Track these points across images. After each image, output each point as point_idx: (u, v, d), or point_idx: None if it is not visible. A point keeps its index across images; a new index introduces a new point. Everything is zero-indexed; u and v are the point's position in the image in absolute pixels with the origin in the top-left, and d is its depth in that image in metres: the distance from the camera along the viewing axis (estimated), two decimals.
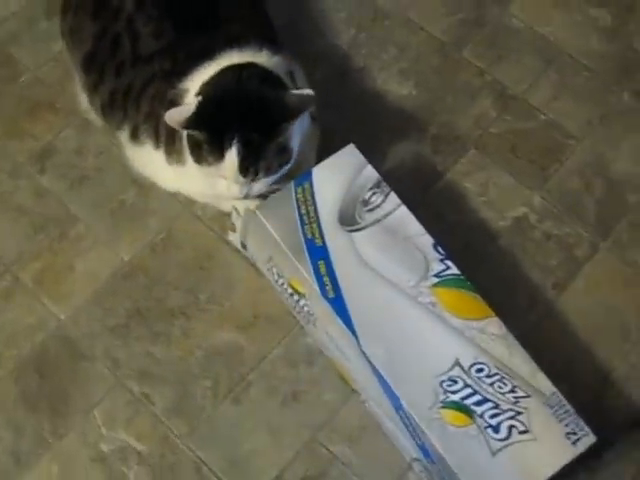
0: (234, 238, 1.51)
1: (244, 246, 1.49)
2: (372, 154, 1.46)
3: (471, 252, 1.52)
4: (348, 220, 1.38)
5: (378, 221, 1.39)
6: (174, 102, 1.42)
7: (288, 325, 1.47)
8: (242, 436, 1.39)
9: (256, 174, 1.35)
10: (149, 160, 1.53)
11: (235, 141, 1.31)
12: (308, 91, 1.37)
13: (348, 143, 1.43)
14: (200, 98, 1.36)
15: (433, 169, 1.64)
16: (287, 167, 1.38)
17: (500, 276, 1.51)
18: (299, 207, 1.38)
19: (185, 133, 1.39)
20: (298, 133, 1.40)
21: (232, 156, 1.32)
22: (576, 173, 1.64)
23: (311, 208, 1.38)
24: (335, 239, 1.36)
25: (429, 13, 1.82)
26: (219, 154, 1.32)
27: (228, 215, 1.50)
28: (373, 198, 1.41)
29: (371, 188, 1.42)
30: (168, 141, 1.49)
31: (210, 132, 1.32)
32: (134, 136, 1.53)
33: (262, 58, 1.43)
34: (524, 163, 1.65)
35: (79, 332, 1.47)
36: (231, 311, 1.49)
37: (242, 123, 1.32)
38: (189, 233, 1.56)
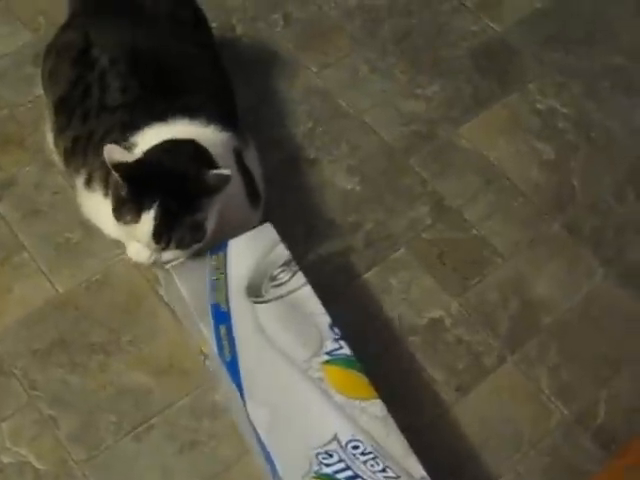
0: (163, 290, 1.59)
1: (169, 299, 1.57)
2: (306, 240, 1.60)
3: (382, 342, 1.61)
4: (254, 292, 1.46)
5: (282, 297, 1.47)
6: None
7: (200, 379, 1.53)
8: (136, 473, 1.45)
9: (168, 243, 1.40)
10: (97, 207, 1.61)
11: (155, 205, 1.38)
12: (226, 172, 1.41)
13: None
14: (140, 156, 1.46)
15: (362, 261, 1.72)
16: (198, 246, 1.44)
17: (406, 369, 1.58)
18: (211, 273, 1.47)
19: (112, 184, 1.46)
20: (214, 216, 1.45)
21: (149, 219, 1.38)
22: (496, 288, 1.71)
23: (222, 276, 1.47)
24: (239, 307, 1.44)
25: (384, 120, 1.91)
26: (136, 214, 1.38)
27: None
28: (281, 275, 1.49)
29: (281, 265, 1.50)
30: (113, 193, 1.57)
31: (132, 188, 1.39)
32: (88, 183, 1.62)
33: (207, 133, 1.53)
34: (448, 270, 1.73)
35: (3, 349, 1.55)
36: (149, 356, 1.56)
37: (164, 192, 1.39)
38: (124, 278, 1.64)
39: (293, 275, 1.49)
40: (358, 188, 1.81)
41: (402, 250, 1.74)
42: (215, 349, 1.38)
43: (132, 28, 1.70)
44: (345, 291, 1.64)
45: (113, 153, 1.41)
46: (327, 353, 1.40)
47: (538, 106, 1.93)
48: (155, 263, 1.46)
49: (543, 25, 2.07)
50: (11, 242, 1.66)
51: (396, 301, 1.67)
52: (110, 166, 1.41)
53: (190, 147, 1.46)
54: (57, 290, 1.61)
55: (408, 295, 1.69)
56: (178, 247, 1.41)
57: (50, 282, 1.62)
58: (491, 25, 2.09)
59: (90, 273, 1.64)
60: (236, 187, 1.49)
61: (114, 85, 1.62)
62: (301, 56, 2.00)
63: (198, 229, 1.43)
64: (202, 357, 1.50)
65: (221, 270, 1.47)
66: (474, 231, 1.78)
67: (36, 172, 1.75)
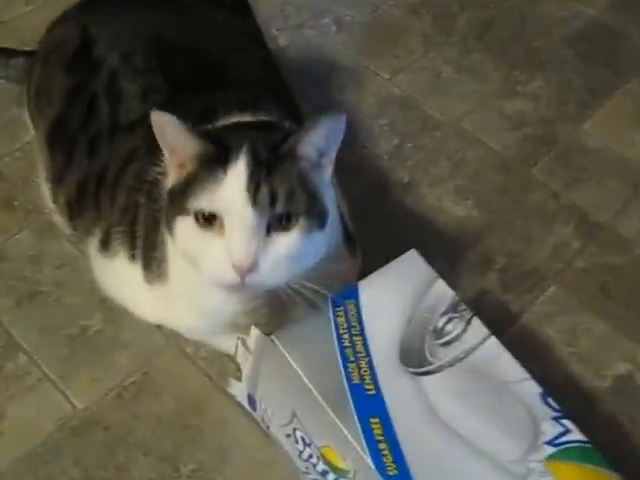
0: (238, 390, 1.11)
1: (252, 402, 1.08)
2: None
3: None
4: (414, 358, 1.00)
5: (459, 360, 1.00)
6: (155, 184, 1.08)
7: None
8: None
9: (273, 198, 0.94)
10: (122, 277, 1.17)
11: (244, 149, 0.95)
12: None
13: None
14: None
15: (504, 310, 1.27)
16: (322, 240, 0.99)
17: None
18: (340, 337, 1.00)
19: (166, 191, 1.02)
20: (333, 208, 1.04)
21: (239, 170, 0.94)
22: None
23: (358, 339, 1.00)
24: (395, 386, 0.97)
25: (488, 125, 1.53)
26: (219, 175, 0.94)
27: (229, 356, 1.14)
28: (449, 327, 1.03)
29: (445, 312, 1.04)
30: (146, 246, 1.13)
31: (217, 144, 0.96)
32: (105, 243, 1.17)
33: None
34: (620, 306, 1.28)
35: None
36: None
37: (253, 137, 0.98)
38: (172, 377, 1.16)
39: (467, 324, 1.03)
40: (475, 213, 1.38)
41: (553, 288, 1.30)
42: (370, 461, 0.90)
43: (148, 11, 1.26)
44: None
45: (166, 120, 0.96)
46: (549, 443, 0.92)
47: None
48: (253, 281, 0.95)
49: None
50: (1, 341, 1.18)
51: (562, 358, 1.21)
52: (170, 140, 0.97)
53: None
54: (74, 405, 1.13)
55: (576, 348, 1.23)
56: (291, 207, 0.95)
57: (63, 394, 1.13)
58: (582, 9, 1.78)
59: (122, 375, 1.16)
60: (333, 224, 1.05)
61: (130, 89, 1.18)
62: (365, 63, 1.62)
63: (315, 199, 0.98)
64: (329, 477, 0.99)
65: (355, 330, 1.00)
66: (637, 250, 1.35)
67: (30, 240, 1.30)
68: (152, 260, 1.12)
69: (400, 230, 1.35)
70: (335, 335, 1.00)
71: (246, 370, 1.06)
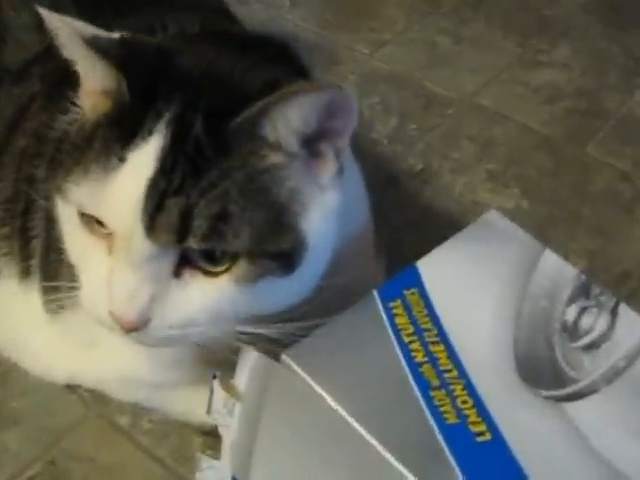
0: (212, 476, 0.63)
1: None
2: None
3: None
4: (545, 373, 0.58)
5: (619, 371, 0.57)
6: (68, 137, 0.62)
7: None
8: None
9: (187, 226, 0.54)
10: (7, 308, 0.74)
11: (165, 117, 0.55)
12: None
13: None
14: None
15: None
16: (290, 287, 0.59)
17: None
18: (405, 349, 0.57)
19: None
20: (328, 231, 0.60)
21: (145, 157, 0.55)
22: None
23: (438, 349, 0.58)
24: (525, 424, 0.54)
25: (511, 100, 1.10)
26: (118, 152, 0.55)
27: (192, 424, 0.73)
28: (586, 320, 0.61)
29: (572, 299, 0.61)
30: (48, 251, 0.70)
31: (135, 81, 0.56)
32: None
33: None
34: None
35: None
36: None
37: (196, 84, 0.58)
38: (98, 466, 0.71)
39: (613, 315, 0.61)
40: (525, 204, 0.97)
41: None
42: None
43: None
44: None
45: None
46: None
47: None
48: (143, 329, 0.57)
49: None
50: None
51: None
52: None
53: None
54: None
55: None
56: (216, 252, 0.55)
57: None
58: None
59: (13, 467, 0.71)
60: (363, 216, 0.71)
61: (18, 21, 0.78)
62: (335, 37, 1.15)
63: (282, 221, 0.57)
64: None
65: (429, 335, 0.58)
66: None
67: None
68: (58, 274, 0.66)
69: (423, 228, 0.91)
70: (397, 346, 0.55)
71: (232, 434, 0.58)
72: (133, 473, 0.71)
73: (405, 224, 0.94)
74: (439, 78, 1.15)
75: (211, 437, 0.70)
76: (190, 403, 0.70)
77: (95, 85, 0.58)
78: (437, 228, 0.94)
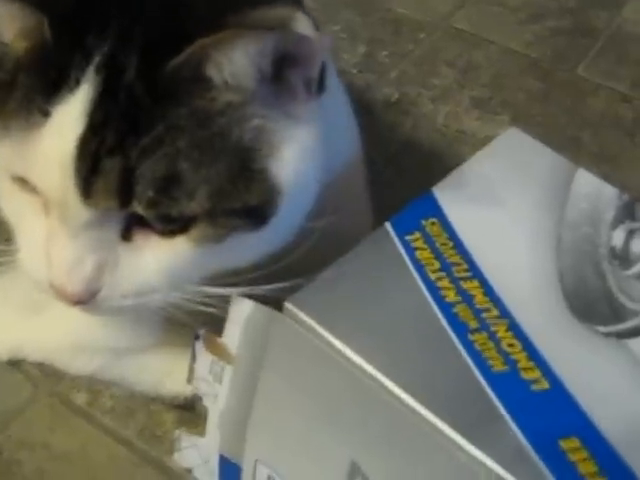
0: (192, 455, 0.55)
1: (229, 473, 0.53)
2: None
3: None
4: (599, 307, 0.48)
5: None
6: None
7: None
8: None
9: (129, 188, 0.44)
10: None
11: (95, 61, 0.45)
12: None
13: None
14: None
15: None
16: (262, 239, 0.49)
17: None
18: (432, 288, 0.46)
19: None
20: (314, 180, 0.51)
21: (73, 109, 0.44)
22: None
23: (472, 285, 0.47)
24: (586, 365, 0.44)
25: (489, 21, 1.00)
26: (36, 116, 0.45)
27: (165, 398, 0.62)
28: (636, 243, 0.47)
29: (617, 221, 0.49)
30: None
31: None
32: None
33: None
34: None
35: None
36: None
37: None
38: (53, 454, 0.60)
39: None
40: None
41: None
42: None
43: None
44: None
45: None
46: None
47: None
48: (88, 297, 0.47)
49: None
50: None
51: None
52: None
53: None
54: None
55: None
56: (158, 216, 0.45)
57: None
58: None
59: None
60: (352, 143, 0.61)
61: None
62: None
63: (247, 171, 0.46)
64: None
65: (458, 269, 0.47)
66: None
67: None
68: None
69: (407, 163, 0.80)
70: (423, 285, 0.44)
71: (220, 404, 0.47)
72: (96, 459, 0.59)
73: (384, 159, 0.83)
74: (406, 1, 1.04)
75: (187, 411, 0.59)
76: (160, 371, 0.60)
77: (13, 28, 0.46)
78: (421, 161, 0.84)
